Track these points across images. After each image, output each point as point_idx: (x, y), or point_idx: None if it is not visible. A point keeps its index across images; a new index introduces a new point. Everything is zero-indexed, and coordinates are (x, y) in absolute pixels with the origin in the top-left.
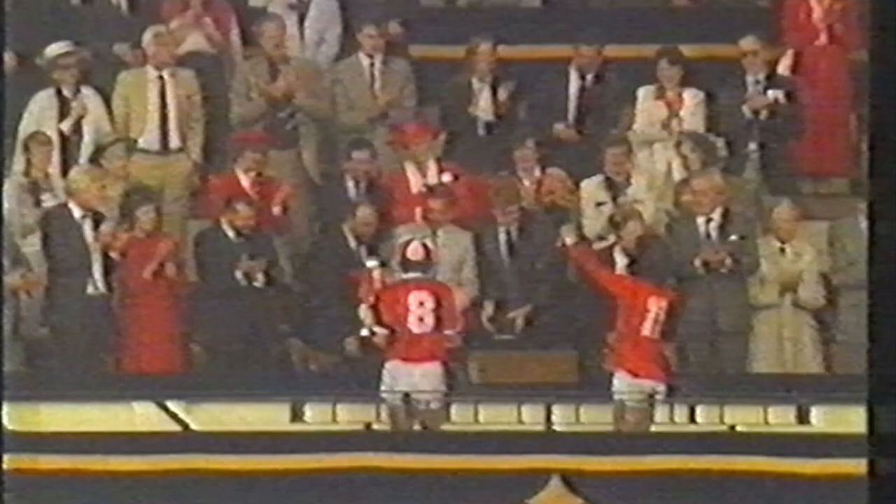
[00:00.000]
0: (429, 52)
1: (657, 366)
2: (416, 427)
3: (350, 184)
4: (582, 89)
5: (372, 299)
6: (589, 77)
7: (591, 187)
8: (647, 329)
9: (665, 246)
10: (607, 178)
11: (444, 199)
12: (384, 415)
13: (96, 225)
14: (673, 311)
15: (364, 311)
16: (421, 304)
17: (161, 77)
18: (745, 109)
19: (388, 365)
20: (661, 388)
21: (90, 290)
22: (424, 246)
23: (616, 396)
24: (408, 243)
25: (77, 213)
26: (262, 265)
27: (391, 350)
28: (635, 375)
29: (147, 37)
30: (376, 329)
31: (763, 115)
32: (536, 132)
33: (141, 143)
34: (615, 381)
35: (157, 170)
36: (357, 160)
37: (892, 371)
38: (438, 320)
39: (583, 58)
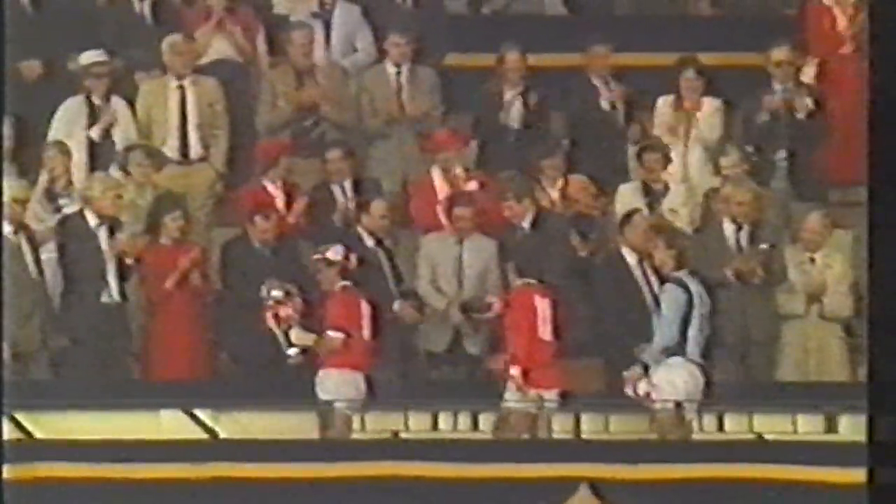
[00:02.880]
0: (455, 61)
1: (550, 373)
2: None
3: (334, 187)
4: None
5: (288, 325)
6: (611, 84)
7: (628, 193)
8: (541, 330)
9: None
10: (644, 185)
11: (470, 207)
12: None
13: (112, 232)
14: (556, 309)
15: (283, 336)
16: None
17: (181, 86)
18: (771, 118)
19: (334, 373)
20: (552, 395)
21: (104, 298)
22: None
23: (505, 404)
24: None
25: (92, 220)
26: (284, 289)
27: (338, 357)
28: (523, 384)
29: (164, 46)
30: (333, 334)
31: (789, 119)
32: (565, 140)
33: (163, 152)
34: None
35: (181, 178)
36: (331, 160)
37: (891, 379)
38: (375, 328)
39: (601, 65)
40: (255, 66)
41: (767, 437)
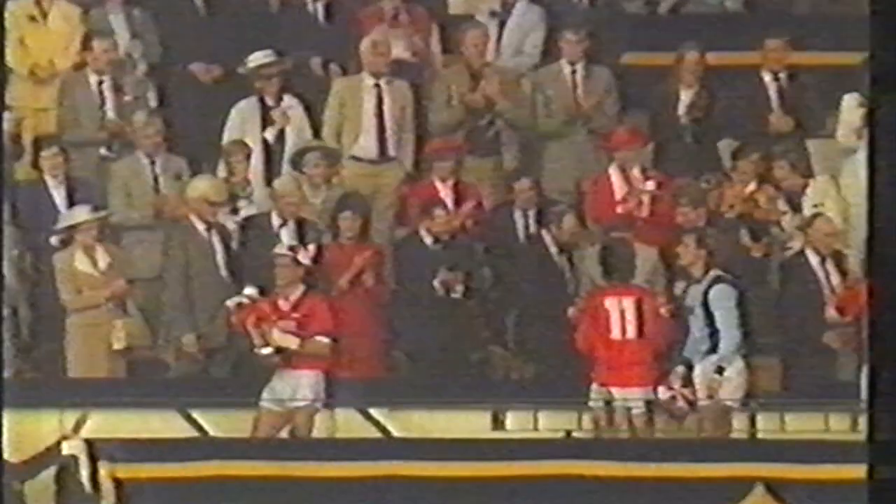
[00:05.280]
0: (632, 59)
1: (633, 372)
2: (624, 434)
3: (517, 215)
4: (780, 96)
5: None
6: (784, 82)
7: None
8: (615, 332)
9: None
10: (785, 191)
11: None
12: (587, 421)
13: (300, 232)
14: (641, 308)
15: (257, 337)
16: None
17: (377, 85)
18: None
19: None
20: (637, 395)
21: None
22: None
23: (592, 404)
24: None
25: (276, 221)
26: (461, 276)
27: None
28: (605, 385)
29: (364, 45)
30: (322, 339)
31: None
32: (756, 142)
33: (354, 151)
34: (592, 393)
35: (370, 178)
36: (518, 191)
37: (892, 376)
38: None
39: (775, 62)
40: (429, 65)
41: None
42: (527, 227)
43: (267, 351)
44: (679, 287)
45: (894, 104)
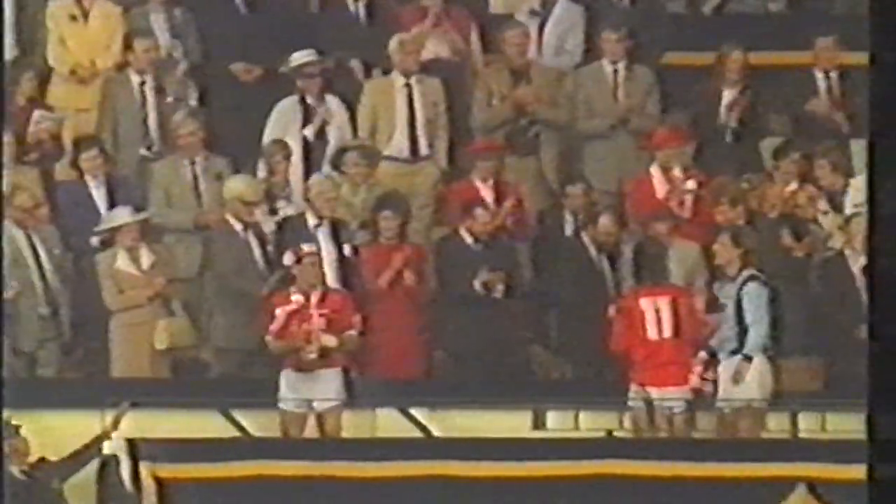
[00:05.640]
0: (674, 59)
1: (670, 372)
2: (664, 434)
3: (568, 217)
4: (830, 95)
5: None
6: (834, 81)
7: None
8: (651, 332)
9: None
10: (827, 190)
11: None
12: (628, 421)
13: (335, 232)
14: (678, 307)
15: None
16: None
17: (408, 84)
18: None
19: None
20: (677, 394)
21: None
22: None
23: (631, 403)
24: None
25: (312, 220)
26: (502, 276)
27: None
28: (643, 385)
29: (392, 44)
30: (354, 333)
31: None
32: (797, 141)
33: (388, 150)
34: (630, 393)
35: (405, 177)
36: (571, 195)
37: (892, 376)
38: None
39: (827, 61)
40: (470, 65)
41: None
42: (577, 229)
43: (313, 355)
44: (717, 285)
45: (894, 104)
